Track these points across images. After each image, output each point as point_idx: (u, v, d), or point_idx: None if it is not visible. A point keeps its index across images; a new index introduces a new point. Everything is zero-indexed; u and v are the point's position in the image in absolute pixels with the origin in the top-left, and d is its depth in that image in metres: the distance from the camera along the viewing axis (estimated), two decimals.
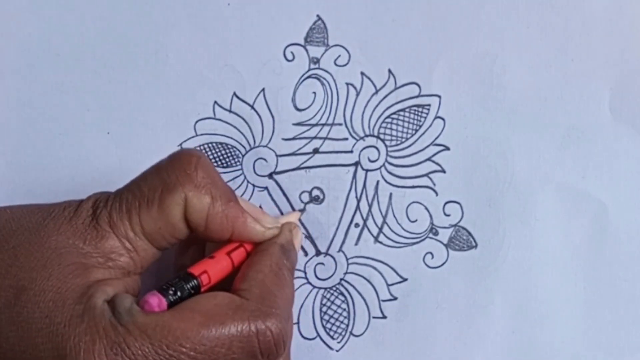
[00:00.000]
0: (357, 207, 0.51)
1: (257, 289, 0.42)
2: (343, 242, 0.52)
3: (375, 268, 0.52)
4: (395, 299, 0.52)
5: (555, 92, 0.51)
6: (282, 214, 0.51)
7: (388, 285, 0.52)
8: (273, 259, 0.44)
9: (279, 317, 0.42)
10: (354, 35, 0.51)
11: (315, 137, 0.51)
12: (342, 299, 0.52)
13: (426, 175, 0.51)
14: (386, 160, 0.51)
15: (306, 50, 0.51)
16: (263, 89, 0.51)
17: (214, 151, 0.51)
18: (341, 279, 0.52)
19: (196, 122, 0.51)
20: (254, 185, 0.51)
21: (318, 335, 0.52)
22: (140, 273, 0.44)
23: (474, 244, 0.51)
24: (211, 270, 0.43)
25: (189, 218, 0.43)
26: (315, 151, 0.51)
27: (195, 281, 0.42)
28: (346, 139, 0.51)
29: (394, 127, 0.51)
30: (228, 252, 0.44)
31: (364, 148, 0.51)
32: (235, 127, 0.51)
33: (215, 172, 0.44)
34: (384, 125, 0.51)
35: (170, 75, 0.51)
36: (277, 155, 0.51)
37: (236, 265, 0.45)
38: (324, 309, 0.52)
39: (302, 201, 0.51)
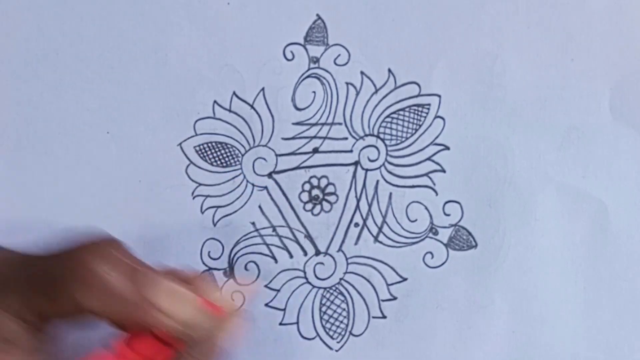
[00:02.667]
0: (357, 206, 0.51)
1: None
2: (343, 241, 0.52)
3: (375, 268, 0.52)
4: (395, 298, 0.52)
5: (555, 92, 0.51)
6: (281, 213, 0.51)
7: (388, 285, 0.52)
8: None
9: None
10: (353, 34, 0.51)
11: (315, 137, 0.51)
12: (342, 298, 0.52)
13: (426, 174, 0.51)
14: (386, 160, 0.51)
15: (306, 49, 0.51)
16: (263, 89, 0.51)
17: (213, 151, 0.51)
18: (341, 279, 0.52)
19: (196, 121, 0.51)
20: (253, 185, 0.51)
21: (317, 335, 0.52)
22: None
23: (474, 243, 0.51)
24: None
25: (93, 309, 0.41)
26: (315, 151, 0.51)
27: None
28: (346, 138, 0.51)
29: (394, 126, 0.51)
30: (129, 344, 0.42)
31: (364, 147, 0.51)
32: (234, 127, 0.51)
33: (136, 262, 0.42)
34: (383, 124, 0.51)
35: (170, 75, 0.51)
36: (276, 155, 0.51)
37: None
38: (324, 308, 0.52)
39: (301, 200, 0.51)
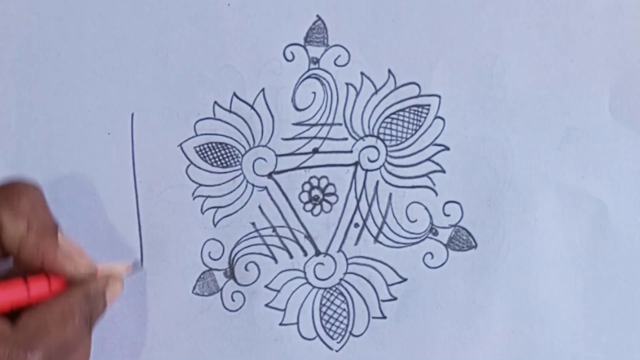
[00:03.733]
0: (357, 207, 0.52)
1: (34, 323, 0.42)
2: (343, 242, 0.52)
3: (375, 268, 0.52)
4: (395, 299, 0.52)
5: (555, 92, 0.51)
6: (281, 214, 0.51)
7: (388, 285, 0.52)
8: (69, 303, 0.44)
9: (43, 355, 0.41)
10: (353, 35, 0.51)
11: (314, 137, 0.51)
12: (342, 299, 0.52)
13: (426, 175, 0.51)
14: (386, 160, 0.51)
15: (306, 50, 0.51)
16: (263, 89, 0.51)
17: (213, 151, 0.51)
18: (341, 279, 0.52)
19: (196, 122, 0.51)
20: (253, 185, 0.51)
21: (318, 335, 0.52)
22: None
23: (473, 244, 0.51)
24: None
25: (2, 241, 0.43)
26: (315, 151, 0.51)
27: None
28: (346, 138, 0.52)
29: (394, 127, 0.51)
30: (26, 279, 0.44)
31: (364, 148, 0.51)
32: (235, 127, 0.51)
33: (41, 206, 0.45)
34: (383, 125, 0.51)
35: (170, 75, 0.51)
36: (276, 155, 0.51)
37: (33, 297, 0.44)
38: (324, 309, 0.52)
39: (301, 201, 0.52)
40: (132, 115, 0.51)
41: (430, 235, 0.51)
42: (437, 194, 0.51)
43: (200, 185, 0.51)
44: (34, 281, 0.44)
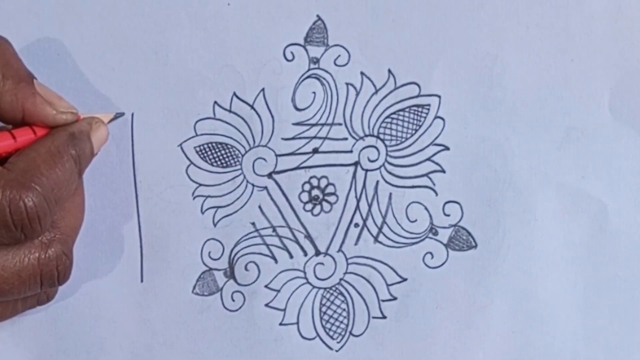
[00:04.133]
0: (357, 207, 0.51)
1: (23, 163, 0.43)
2: (342, 242, 0.52)
3: (374, 268, 0.52)
4: (395, 299, 0.52)
5: (555, 92, 0.51)
6: (281, 214, 0.51)
7: (388, 285, 0.52)
8: (54, 142, 0.44)
9: (38, 194, 0.42)
10: (353, 35, 0.51)
11: (314, 137, 0.51)
12: (342, 299, 0.52)
13: (426, 175, 0.51)
14: (386, 160, 0.51)
15: (306, 50, 0.51)
16: (263, 89, 0.51)
17: (213, 151, 0.51)
18: (341, 279, 0.52)
19: (196, 122, 0.51)
20: (253, 185, 0.51)
21: (318, 335, 0.52)
22: None
23: (473, 244, 0.51)
24: None
25: None
26: (315, 151, 0.51)
27: None
28: (346, 138, 0.51)
29: (394, 127, 0.51)
30: (11, 130, 0.44)
31: (364, 148, 0.51)
32: (235, 127, 0.51)
33: (11, 55, 0.45)
34: (383, 125, 0.51)
35: (170, 75, 0.51)
36: (276, 155, 0.51)
37: (20, 145, 0.44)
38: (324, 309, 0.52)
39: (301, 200, 0.52)
40: (132, 115, 0.51)
41: (430, 235, 0.51)
42: (437, 194, 0.51)
43: (200, 185, 0.51)
44: (19, 130, 0.44)
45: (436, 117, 0.51)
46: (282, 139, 0.51)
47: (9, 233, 0.42)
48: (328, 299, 0.52)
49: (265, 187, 0.52)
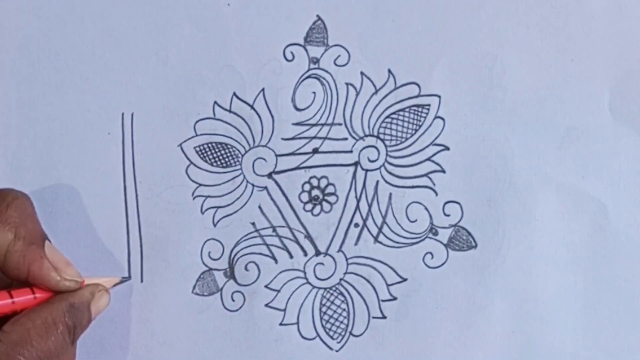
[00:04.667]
0: (357, 207, 0.51)
1: (16, 335, 0.42)
2: (343, 242, 0.52)
3: (374, 268, 0.52)
4: (395, 299, 0.52)
5: (555, 92, 0.51)
6: (281, 214, 0.51)
7: (388, 285, 0.52)
8: (52, 313, 0.44)
9: None
10: (353, 35, 0.51)
11: (314, 137, 0.51)
12: (342, 299, 0.52)
13: (426, 175, 0.51)
14: (386, 160, 0.51)
15: (306, 50, 0.51)
16: (263, 89, 0.51)
17: (213, 151, 0.51)
18: (341, 279, 0.52)
19: (196, 122, 0.51)
20: (253, 185, 0.51)
21: (318, 335, 0.52)
22: None
23: (473, 244, 0.51)
24: None
25: None
26: (315, 151, 0.51)
27: None
28: (346, 138, 0.51)
29: (394, 127, 0.51)
30: (10, 291, 0.44)
31: (364, 148, 0.51)
32: (235, 127, 0.51)
33: (29, 216, 0.45)
34: (383, 125, 0.51)
35: (170, 75, 0.51)
36: (276, 155, 0.51)
37: (18, 307, 0.44)
38: (324, 309, 0.52)
39: (301, 201, 0.52)
40: (132, 115, 0.51)
41: (430, 235, 0.51)
42: (437, 194, 0.51)
43: (200, 185, 0.51)
44: (19, 291, 0.45)
45: (436, 117, 0.51)
46: (282, 139, 0.51)
47: None
48: (328, 299, 0.52)
49: (265, 187, 0.52)
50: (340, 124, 0.51)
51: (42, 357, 0.43)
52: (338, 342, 0.52)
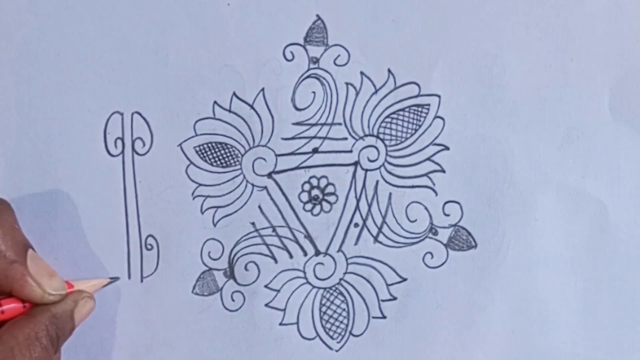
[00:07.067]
0: (357, 207, 0.51)
1: (1, 354, 0.42)
2: (342, 242, 0.52)
3: (374, 268, 0.52)
4: (395, 299, 0.52)
5: (555, 92, 0.51)
6: (281, 214, 0.51)
7: (387, 285, 0.52)
8: (34, 328, 0.44)
9: None
10: (353, 35, 0.51)
11: (314, 137, 0.51)
12: (342, 299, 0.52)
13: (426, 175, 0.51)
14: (386, 160, 0.51)
15: (306, 50, 0.51)
16: (263, 89, 0.51)
17: (213, 151, 0.51)
18: (341, 279, 0.52)
19: (196, 122, 0.51)
20: (253, 185, 0.51)
21: (317, 335, 0.52)
22: None
23: (473, 244, 0.51)
24: None
25: None
26: (315, 151, 0.51)
27: None
28: (345, 138, 0.51)
29: (394, 126, 0.51)
30: None
31: (364, 148, 0.51)
32: (234, 127, 0.51)
33: (10, 227, 0.45)
34: (383, 125, 0.51)
35: (170, 75, 0.51)
36: (276, 155, 0.51)
37: (6, 317, 0.45)
38: (324, 309, 0.52)
39: (301, 200, 0.52)
40: (132, 115, 0.51)
41: (430, 235, 0.51)
42: (437, 194, 0.51)
43: (200, 185, 0.51)
44: (8, 302, 0.45)
45: (436, 117, 0.51)
46: (282, 138, 0.51)
47: None
48: (328, 299, 0.52)
49: (265, 187, 0.52)
50: (340, 124, 0.51)
51: None
52: (338, 342, 0.52)
